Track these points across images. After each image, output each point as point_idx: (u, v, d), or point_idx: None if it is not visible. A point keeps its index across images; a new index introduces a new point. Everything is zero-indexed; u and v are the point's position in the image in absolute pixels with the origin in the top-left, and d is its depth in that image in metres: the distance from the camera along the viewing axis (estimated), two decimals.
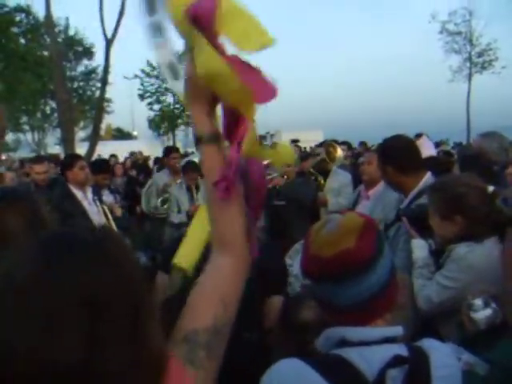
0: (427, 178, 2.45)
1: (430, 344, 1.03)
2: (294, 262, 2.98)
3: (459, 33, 25.33)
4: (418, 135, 5.01)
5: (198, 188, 4.88)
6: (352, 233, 0.98)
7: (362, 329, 0.98)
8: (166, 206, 5.00)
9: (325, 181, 4.91)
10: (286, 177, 4.83)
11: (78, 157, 4.28)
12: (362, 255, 0.96)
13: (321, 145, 6.73)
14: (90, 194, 3.96)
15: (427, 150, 3.88)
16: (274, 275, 1.78)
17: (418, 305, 1.87)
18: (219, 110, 0.90)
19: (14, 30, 22.68)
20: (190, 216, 4.71)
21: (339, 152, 5.15)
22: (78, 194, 3.86)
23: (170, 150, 5.69)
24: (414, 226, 2.09)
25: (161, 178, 5.34)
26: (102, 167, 4.81)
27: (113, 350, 0.59)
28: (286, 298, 2.05)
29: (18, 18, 22.93)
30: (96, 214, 3.84)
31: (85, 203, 3.86)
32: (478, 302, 1.51)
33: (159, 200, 5.02)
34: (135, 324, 0.62)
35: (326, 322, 1.06)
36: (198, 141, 0.87)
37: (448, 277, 1.82)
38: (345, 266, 0.96)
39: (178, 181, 5.04)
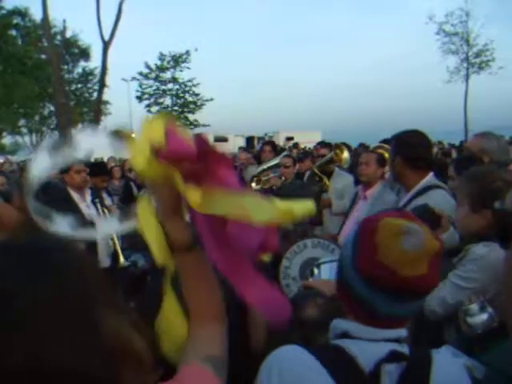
0: (429, 177, 2.47)
1: (439, 351, 1.04)
2: (291, 263, 2.97)
3: (456, 33, 25.42)
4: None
5: None
6: (428, 256, 0.95)
7: (367, 328, 1.00)
8: None
9: (329, 181, 4.93)
10: (283, 178, 4.79)
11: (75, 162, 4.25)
12: (432, 283, 0.97)
13: (325, 145, 6.71)
14: (88, 197, 3.96)
15: None
16: None
17: (430, 307, 1.79)
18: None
19: (12, 32, 22.68)
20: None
21: (346, 154, 5.16)
22: (76, 196, 3.87)
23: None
24: None
25: None
26: (100, 170, 4.78)
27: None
28: (291, 297, 2.02)
29: (15, 21, 22.94)
30: (95, 217, 3.82)
31: (82, 206, 3.86)
32: (475, 306, 1.50)
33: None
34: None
35: (331, 317, 1.07)
36: (175, 250, 0.85)
37: (464, 277, 1.77)
38: (416, 290, 0.95)
39: None
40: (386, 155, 4.16)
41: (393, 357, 0.95)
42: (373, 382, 0.94)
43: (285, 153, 5.30)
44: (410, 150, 2.51)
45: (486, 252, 1.75)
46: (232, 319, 1.07)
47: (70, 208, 3.68)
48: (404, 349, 0.99)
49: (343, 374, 0.94)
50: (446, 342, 1.83)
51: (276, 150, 6.11)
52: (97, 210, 3.94)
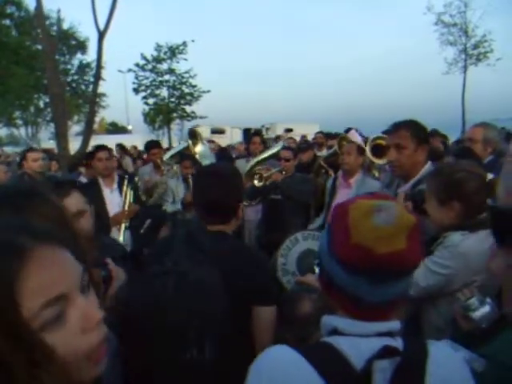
0: (429, 166, 2.50)
1: (436, 344, 1.00)
2: (287, 259, 2.96)
3: (454, 24, 25.29)
4: (348, 129, 5.11)
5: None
6: (404, 231, 0.91)
7: (355, 322, 0.96)
8: (151, 199, 4.99)
9: (335, 174, 4.88)
10: (284, 172, 4.74)
11: (99, 148, 4.36)
12: (413, 259, 0.92)
13: (334, 137, 6.68)
14: (115, 184, 4.18)
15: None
16: (258, 283, 1.68)
17: None
18: None
19: (6, 22, 22.43)
20: (184, 204, 4.70)
21: (346, 144, 5.11)
22: (101, 182, 4.14)
23: (150, 146, 5.65)
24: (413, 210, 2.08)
25: (145, 171, 5.38)
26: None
27: None
28: (285, 294, 1.98)
29: (8, 11, 22.68)
30: (116, 204, 4.07)
31: (107, 191, 4.10)
32: (474, 301, 1.49)
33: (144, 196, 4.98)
34: None
35: (325, 312, 1.03)
36: None
37: (438, 263, 1.83)
38: (396, 267, 0.90)
39: (170, 176, 5.02)
40: (384, 143, 4.15)
41: (385, 352, 0.90)
42: (365, 380, 0.89)
43: (279, 144, 5.19)
44: (428, 140, 2.54)
45: (460, 240, 1.79)
46: (235, 325, 1.03)
47: (93, 193, 3.87)
48: (398, 343, 0.95)
49: (333, 373, 0.90)
50: (423, 329, 1.88)
51: (265, 142, 6.04)
52: (120, 196, 4.10)
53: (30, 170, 4.31)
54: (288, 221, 4.29)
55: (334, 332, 0.97)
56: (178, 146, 5.52)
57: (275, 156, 4.90)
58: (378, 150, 4.26)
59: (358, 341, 0.94)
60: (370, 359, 0.90)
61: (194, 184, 1.97)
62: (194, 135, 5.02)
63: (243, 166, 4.88)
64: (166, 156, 5.30)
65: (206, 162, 4.52)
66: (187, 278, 1.05)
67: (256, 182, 4.78)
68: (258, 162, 4.86)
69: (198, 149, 4.89)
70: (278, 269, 2.87)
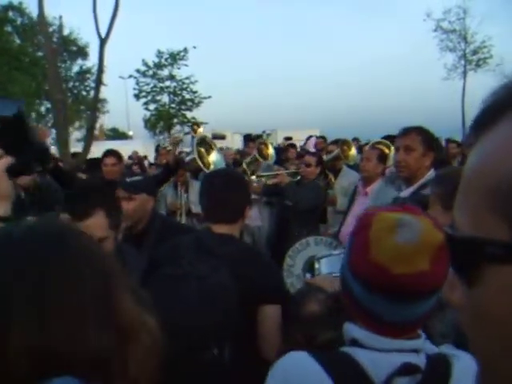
0: (432, 172, 2.53)
1: (458, 355, 0.97)
2: (295, 261, 2.96)
3: (454, 31, 25.42)
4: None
5: (186, 185, 4.79)
6: (428, 251, 0.85)
7: (377, 336, 0.92)
8: None
9: (335, 179, 4.87)
10: (299, 177, 4.61)
11: (106, 154, 4.40)
12: (436, 280, 0.84)
13: (336, 142, 6.72)
14: None
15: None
16: (264, 283, 1.70)
17: None
18: None
19: (7, 28, 22.53)
20: (168, 211, 4.60)
21: (353, 150, 5.14)
22: None
23: (160, 148, 5.73)
24: None
25: (168, 192, 5.27)
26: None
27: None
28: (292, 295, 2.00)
29: (11, 17, 22.77)
30: None
31: None
32: None
33: None
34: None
35: (334, 313, 1.02)
36: None
37: None
38: (413, 289, 0.86)
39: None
40: (386, 151, 4.16)
41: (406, 370, 0.87)
42: None
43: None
44: (437, 147, 2.66)
45: None
46: (241, 328, 1.05)
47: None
48: (420, 359, 0.91)
49: None
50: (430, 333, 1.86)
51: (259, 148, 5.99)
52: None
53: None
54: (295, 228, 4.20)
55: (354, 342, 0.94)
56: (189, 156, 5.41)
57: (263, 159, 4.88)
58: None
59: (379, 356, 0.90)
60: (390, 376, 0.87)
61: (203, 185, 2.00)
62: (203, 143, 4.90)
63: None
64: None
65: None
66: (208, 282, 1.07)
67: (253, 177, 4.76)
68: (248, 165, 4.86)
69: (212, 158, 4.73)
70: (284, 269, 2.86)
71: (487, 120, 0.40)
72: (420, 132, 2.55)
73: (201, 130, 6.08)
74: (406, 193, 2.58)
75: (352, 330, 0.96)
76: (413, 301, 0.89)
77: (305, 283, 2.08)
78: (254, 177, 4.80)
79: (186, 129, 29.34)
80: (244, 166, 5.05)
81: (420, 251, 0.85)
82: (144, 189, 2.61)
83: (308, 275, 2.27)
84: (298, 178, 4.73)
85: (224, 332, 1.03)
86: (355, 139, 10.91)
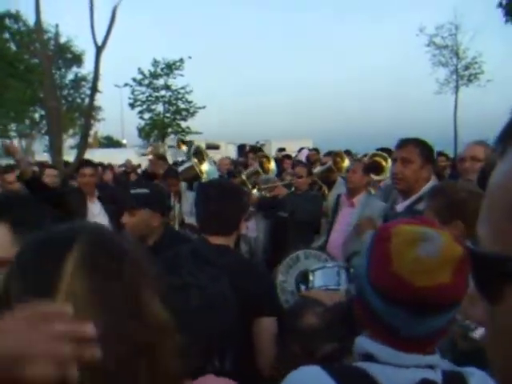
0: (430, 184, 2.49)
1: (472, 371, 0.96)
2: (287, 277, 2.95)
3: (446, 46, 25.80)
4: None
5: (179, 196, 4.76)
6: (450, 264, 0.86)
7: (393, 351, 0.91)
8: None
9: (329, 190, 4.89)
10: (293, 188, 4.65)
11: (82, 163, 4.47)
12: (457, 293, 0.85)
13: (329, 154, 6.76)
14: (94, 198, 4.25)
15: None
16: (260, 295, 1.69)
17: None
18: None
19: (4, 36, 22.51)
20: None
21: (346, 162, 5.17)
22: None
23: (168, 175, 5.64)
24: None
25: None
26: None
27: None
28: (289, 307, 2.00)
29: (7, 24, 22.77)
30: (99, 216, 4.08)
31: (90, 204, 4.17)
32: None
33: None
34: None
35: (333, 326, 1.01)
36: None
37: None
38: (436, 301, 0.86)
39: None
40: (384, 163, 4.20)
41: None
42: None
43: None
44: (433, 157, 2.63)
45: None
46: (237, 337, 1.06)
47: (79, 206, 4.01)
48: (437, 375, 0.90)
49: None
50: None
51: (260, 158, 6.05)
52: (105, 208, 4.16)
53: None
54: (293, 239, 4.20)
55: (368, 357, 0.92)
56: (184, 164, 5.38)
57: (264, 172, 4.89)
58: (376, 167, 4.31)
59: (395, 371, 0.89)
60: None
61: (198, 196, 2.00)
62: (199, 153, 4.92)
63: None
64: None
65: None
66: (208, 292, 1.07)
67: (255, 191, 4.75)
68: (248, 178, 4.86)
69: (205, 167, 4.77)
70: (277, 285, 2.86)
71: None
72: (418, 144, 2.53)
73: (184, 147, 6.12)
74: (400, 207, 2.56)
75: (366, 343, 0.95)
76: (433, 314, 0.89)
77: (299, 296, 2.08)
78: (255, 190, 4.80)
79: (181, 138, 29.40)
80: (243, 177, 5.04)
81: (442, 264, 0.86)
82: (148, 204, 2.38)
83: (302, 287, 2.27)
84: (293, 189, 4.76)
85: (225, 342, 1.04)
86: (346, 151, 11.01)
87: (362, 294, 0.96)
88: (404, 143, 2.56)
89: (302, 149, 10.11)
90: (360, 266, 0.99)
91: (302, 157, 8.84)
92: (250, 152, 6.39)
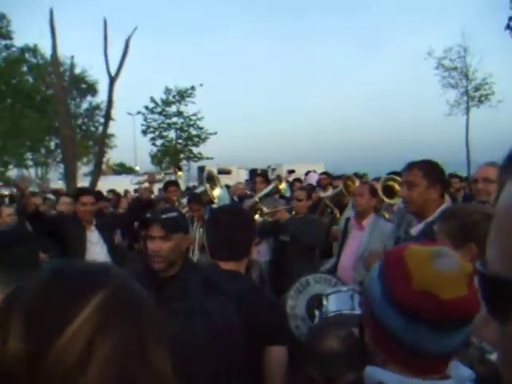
0: (444, 206, 2.47)
1: None
2: (297, 303, 2.91)
3: (455, 68, 25.94)
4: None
5: (203, 220, 4.74)
6: (466, 277, 0.89)
7: (405, 379, 0.89)
8: None
9: (340, 214, 4.87)
10: (294, 212, 4.68)
11: (84, 192, 4.35)
12: (475, 305, 0.87)
13: (339, 177, 6.76)
14: (92, 227, 4.14)
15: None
16: (271, 324, 1.66)
17: None
18: None
19: (22, 68, 23.33)
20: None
21: (358, 185, 5.16)
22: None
23: (167, 184, 5.82)
24: None
25: None
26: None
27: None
28: (309, 328, 1.95)
29: (26, 58, 23.62)
30: (97, 245, 4.03)
31: (88, 232, 4.07)
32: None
33: None
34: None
35: (355, 352, 1.00)
36: None
37: None
38: (460, 314, 0.87)
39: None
40: (397, 187, 4.18)
41: None
42: None
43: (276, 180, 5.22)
44: (444, 178, 2.62)
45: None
46: (244, 364, 1.03)
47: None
48: None
49: None
50: None
51: (268, 181, 6.12)
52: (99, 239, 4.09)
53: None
54: (294, 263, 4.18)
55: None
56: (196, 189, 5.46)
57: (274, 193, 4.88)
58: (389, 191, 4.31)
59: None
60: None
61: (208, 222, 2.00)
62: (211, 178, 4.98)
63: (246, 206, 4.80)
64: (183, 200, 5.28)
65: None
66: (214, 318, 1.06)
67: (257, 216, 4.74)
68: (260, 200, 4.86)
69: (216, 192, 4.82)
70: (287, 311, 2.82)
71: None
72: (421, 166, 2.54)
73: (180, 173, 6.23)
74: (415, 230, 2.54)
75: (377, 373, 0.93)
76: (456, 328, 0.89)
77: (323, 319, 2.01)
78: (257, 216, 4.78)
79: (193, 164, 29.69)
80: (256, 199, 5.03)
81: (460, 277, 0.89)
82: (182, 227, 2.37)
83: (317, 312, 2.22)
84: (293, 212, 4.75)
85: (232, 370, 1.01)
86: (361, 175, 11.02)
87: (376, 318, 0.94)
88: (409, 167, 2.59)
89: (309, 172, 10.11)
90: (371, 290, 0.97)
91: (312, 180, 8.83)
92: (259, 176, 6.42)
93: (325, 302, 1.99)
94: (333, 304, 1.95)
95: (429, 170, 2.54)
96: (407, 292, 0.88)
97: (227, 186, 9.43)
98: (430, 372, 0.91)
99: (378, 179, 4.80)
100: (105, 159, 27.17)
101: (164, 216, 2.35)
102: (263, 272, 4.92)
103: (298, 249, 4.30)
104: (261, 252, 4.82)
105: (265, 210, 4.73)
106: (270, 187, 5.30)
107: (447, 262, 0.90)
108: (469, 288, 0.88)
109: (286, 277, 3.73)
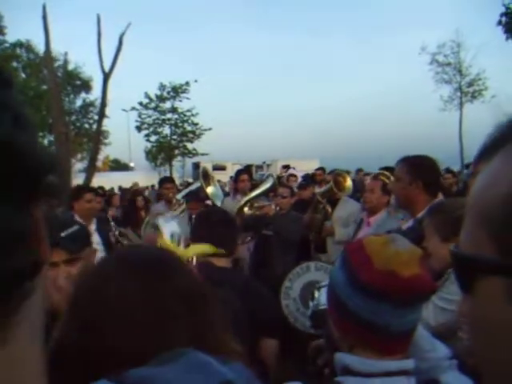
0: (438, 201, 2.47)
1: (450, 379, 0.98)
2: (293, 284, 2.95)
3: (449, 64, 26.03)
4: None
5: None
6: (417, 258, 0.96)
7: (365, 360, 0.94)
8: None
9: (332, 209, 4.90)
10: (278, 208, 4.74)
11: (87, 189, 4.36)
12: (431, 282, 0.96)
13: (330, 172, 6.77)
14: (93, 226, 4.10)
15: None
16: (266, 318, 1.74)
17: None
18: None
19: (14, 64, 23.13)
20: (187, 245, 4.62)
21: (349, 181, 5.15)
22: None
23: (163, 181, 5.80)
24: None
25: (157, 208, 5.35)
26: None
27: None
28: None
29: (17, 53, 23.41)
30: (97, 244, 3.95)
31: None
32: None
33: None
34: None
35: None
36: None
37: (446, 299, 1.81)
38: (418, 290, 0.93)
39: (179, 212, 5.02)
40: (387, 182, 4.20)
41: None
42: None
43: (269, 181, 5.21)
44: (430, 175, 2.56)
45: None
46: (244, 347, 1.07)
47: None
48: (410, 382, 0.92)
49: None
50: None
51: (251, 179, 6.03)
52: (100, 238, 4.03)
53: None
54: (277, 257, 4.29)
55: (346, 371, 0.95)
56: (191, 185, 5.47)
57: (266, 193, 4.91)
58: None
59: (369, 382, 0.91)
60: None
61: (199, 222, 2.07)
62: (206, 176, 5.00)
63: (230, 204, 4.78)
64: (179, 195, 5.29)
65: (218, 202, 4.54)
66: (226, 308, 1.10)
67: (246, 209, 4.76)
68: (249, 201, 4.87)
69: (210, 190, 4.85)
70: (282, 291, 2.85)
71: (488, 153, 0.46)
72: (408, 162, 2.58)
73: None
74: (406, 226, 2.57)
75: (342, 357, 0.97)
76: (417, 304, 0.97)
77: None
78: (246, 208, 4.82)
79: (188, 160, 29.63)
80: (245, 200, 5.04)
81: (413, 257, 0.96)
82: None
83: (311, 303, 2.27)
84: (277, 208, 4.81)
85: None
86: (359, 170, 11.09)
87: (342, 305, 0.98)
88: (398, 162, 2.65)
89: (287, 167, 10.13)
90: (336, 278, 1.02)
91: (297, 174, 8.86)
92: (243, 173, 6.27)
93: (316, 295, 2.03)
94: (324, 297, 1.98)
95: (413, 166, 2.55)
96: (371, 273, 0.94)
97: (219, 181, 9.46)
98: (395, 352, 0.95)
99: (368, 174, 4.83)
100: (102, 156, 27.08)
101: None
102: (243, 269, 4.98)
103: (280, 243, 4.36)
104: (251, 249, 4.86)
105: (255, 204, 4.75)
106: (265, 188, 5.28)
107: (402, 243, 0.97)
108: (420, 267, 0.95)
109: (267, 269, 3.83)
